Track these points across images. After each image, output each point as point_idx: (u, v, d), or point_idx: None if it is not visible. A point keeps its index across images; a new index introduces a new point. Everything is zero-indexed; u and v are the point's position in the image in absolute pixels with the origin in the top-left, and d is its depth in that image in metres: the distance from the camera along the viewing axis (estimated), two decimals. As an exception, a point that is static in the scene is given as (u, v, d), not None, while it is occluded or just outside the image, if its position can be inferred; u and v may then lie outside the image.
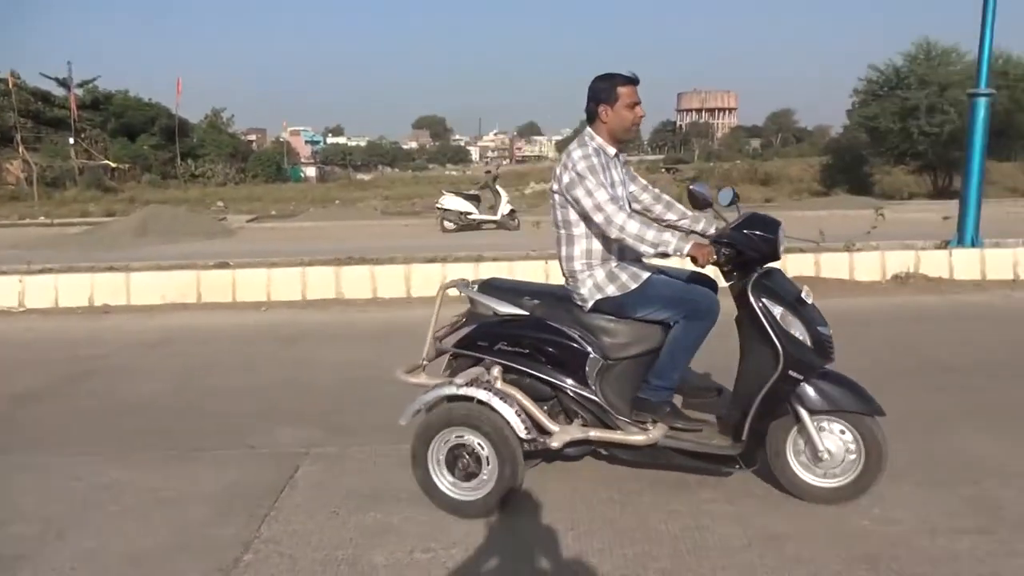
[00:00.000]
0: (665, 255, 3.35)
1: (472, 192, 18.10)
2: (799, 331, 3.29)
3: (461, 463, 3.43)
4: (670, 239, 3.28)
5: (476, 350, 3.62)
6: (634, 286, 3.46)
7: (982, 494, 3.53)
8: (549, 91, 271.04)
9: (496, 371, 3.51)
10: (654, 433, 3.39)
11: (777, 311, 3.31)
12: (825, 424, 3.37)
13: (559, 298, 3.61)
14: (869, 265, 8.74)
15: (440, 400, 3.48)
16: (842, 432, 3.38)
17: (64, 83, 42.96)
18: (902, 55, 28.50)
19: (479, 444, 3.40)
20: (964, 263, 8.77)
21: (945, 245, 9.19)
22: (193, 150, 46.12)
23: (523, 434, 3.35)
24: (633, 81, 3.48)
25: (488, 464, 3.40)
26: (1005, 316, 7.40)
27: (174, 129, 43.54)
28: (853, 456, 3.37)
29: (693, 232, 3.68)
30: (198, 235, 16.69)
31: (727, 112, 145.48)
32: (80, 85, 45.01)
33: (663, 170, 54.45)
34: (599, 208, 3.33)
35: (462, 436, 3.42)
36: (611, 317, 3.48)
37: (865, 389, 3.37)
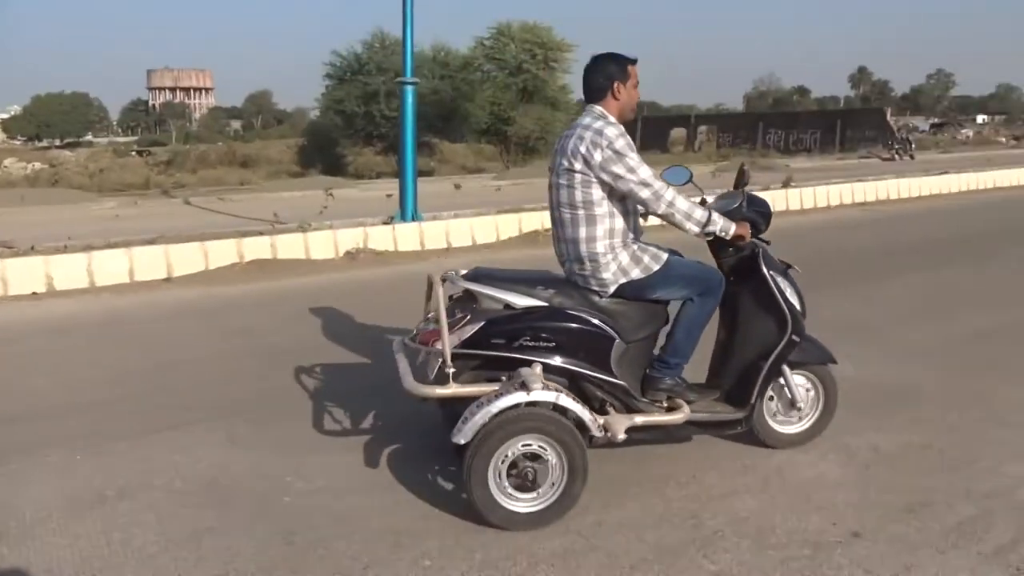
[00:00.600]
0: (711, 233, 3.45)
1: None
2: (794, 298, 3.63)
3: (528, 473, 3.10)
4: (717, 218, 3.42)
5: (491, 348, 3.28)
6: (656, 267, 3.43)
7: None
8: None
9: (538, 369, 3.23)
10: (685, 410, 3.47)
11: (780, 281, 3.61)
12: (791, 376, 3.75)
13: (568, 284, 3.46)
14: (323, 244, 9.08)
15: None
16: (805, 381, 3.84)
17: None
18: (362, 43, 30.37)
19: (546, 449, 3.13)
20: (406, 236, 9.64)
21: (390, 221, 9.98)
22: None
23: (596, 432, 3.25)
24: (636, 61, 3.52)
25: (555, 470, 3.15)
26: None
27: None
28: (813, 402, 3.87)
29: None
30: None
31: (203, 92, 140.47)
32: None
33: (134, 153, 50.52)
34: (646, 184, 3.32)
35: (529, 444, 3.11)
36: (625, 300, 3.42)
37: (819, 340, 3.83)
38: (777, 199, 13.49)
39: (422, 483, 3.55)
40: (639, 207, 3.46)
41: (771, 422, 3.84)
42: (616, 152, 3.30)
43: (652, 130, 51.06)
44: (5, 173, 37.53)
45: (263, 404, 4.60)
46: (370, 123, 29.88)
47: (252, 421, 4.32)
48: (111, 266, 7.84)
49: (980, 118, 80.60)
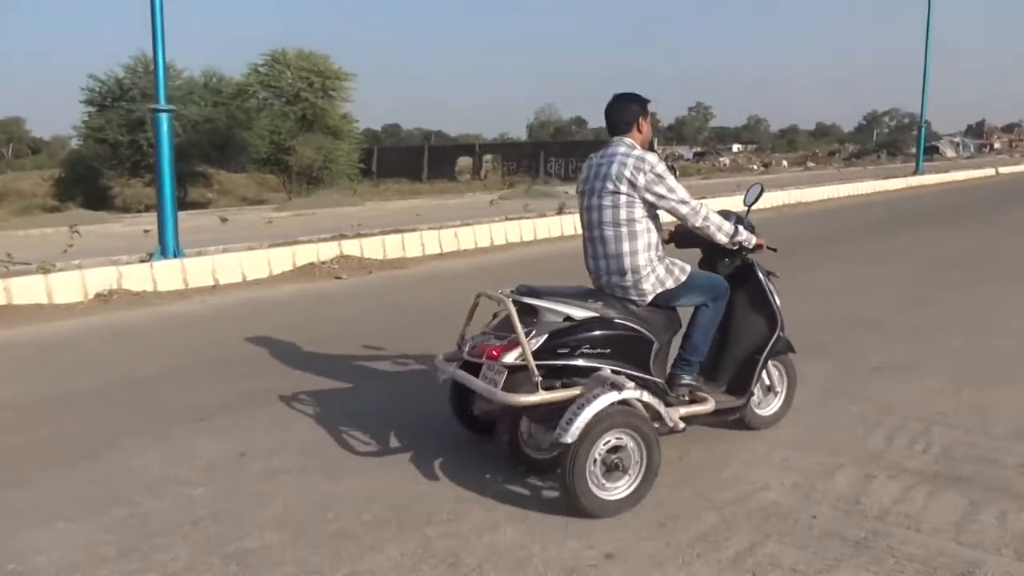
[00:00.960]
0: (737, 243, 4.01)
1: None
2: (778, 298, 4.25)
3: (617, 463, 3.48)
4: (742, 230, 4.02)
5: (557, 358, 3.62)
6: (684, 278, 3.92)
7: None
8: None
9: (608, 371, 3.61)
10: (711, 400, 3.97)
11: (769, 285, 4.25)
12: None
13: (607, 296, 3.88)
14: (69, 285, 8.21)
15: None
16: (774, 368, 4.48)
17: None
18: (123, 67, 28.35)
19: (629, 440, 3.50)
20: (167, 274, 8.93)
21: (149, 258, 9.23)
22: None
23: (669, 423, 3.71)
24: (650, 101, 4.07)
25: (636, 459, 3.53)
26: (196, 320, 7.74)
27: None
28: (780, 387, 4.53)
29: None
30: None
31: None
32: None
33: None
34: (685, 201, 3.84)
35: (620, 438, 3.47)
36: (655, 308, 3.89)
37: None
38: (552, 225, 14.01)
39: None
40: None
41: (754, 408, 4.41)
42: (658, 175, 3.78)
43: (439, 158, 51.74)
44: None
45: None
46: (136, 152, 27.92)
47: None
48: None
49: (735, 147, 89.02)
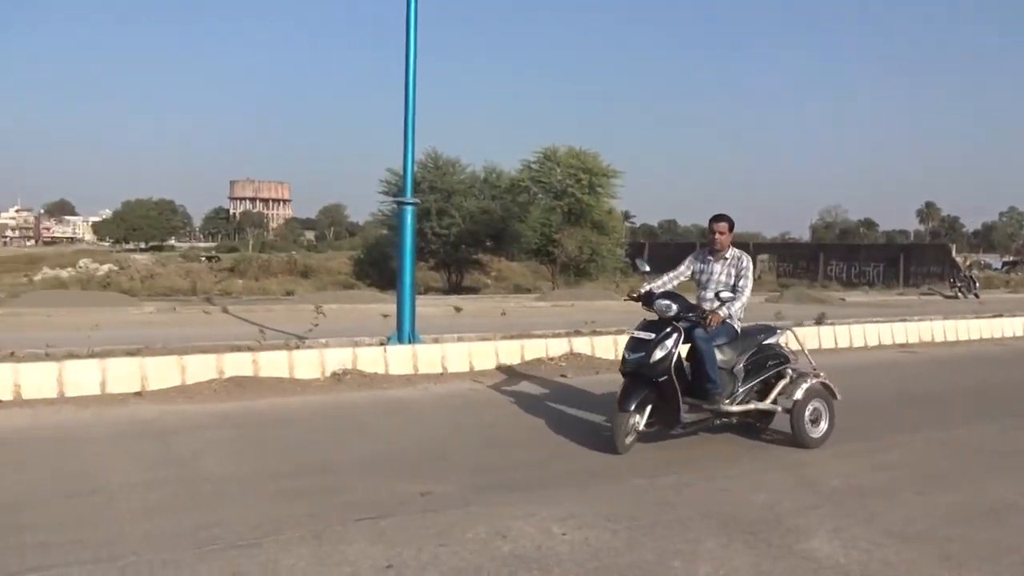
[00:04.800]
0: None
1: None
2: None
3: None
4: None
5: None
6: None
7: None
8: (84, 167, 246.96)
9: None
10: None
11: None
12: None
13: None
14: (309, 363, 8.77)
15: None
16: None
17: None
18: (416, 162, 31.13)
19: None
20: (398, 359, 9.25)
21: (386, 342, 9.65)
22: None
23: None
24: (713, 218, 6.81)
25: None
26: (415, 408, 7.85)
27: None
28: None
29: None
30: None
31: (281, 203, 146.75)
32: None
33: (203, 259, 52.47)
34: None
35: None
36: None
37: None
38: (809, 337, 12.78)
39: None
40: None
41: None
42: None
43: (711, 256, 50.54)
44: (77, 272, 39.25)
45: (125, 553, 4.16)
46: (421, 239, 30.29)
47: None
48: (83, 377, 7.66)
49: (1057, 257, 77.81)
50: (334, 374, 8.81)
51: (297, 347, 9.09)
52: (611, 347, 10.73)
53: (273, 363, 8.59)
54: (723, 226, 6.66)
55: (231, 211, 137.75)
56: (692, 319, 6.22)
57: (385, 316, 11.25)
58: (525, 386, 8.96)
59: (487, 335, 10.64)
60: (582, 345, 10.58)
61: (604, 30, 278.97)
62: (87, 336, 8.90)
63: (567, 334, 10.84)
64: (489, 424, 7.22)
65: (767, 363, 6.64)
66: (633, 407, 5.95)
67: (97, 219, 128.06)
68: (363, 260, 36.67)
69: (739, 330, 6.53)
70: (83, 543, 4.21)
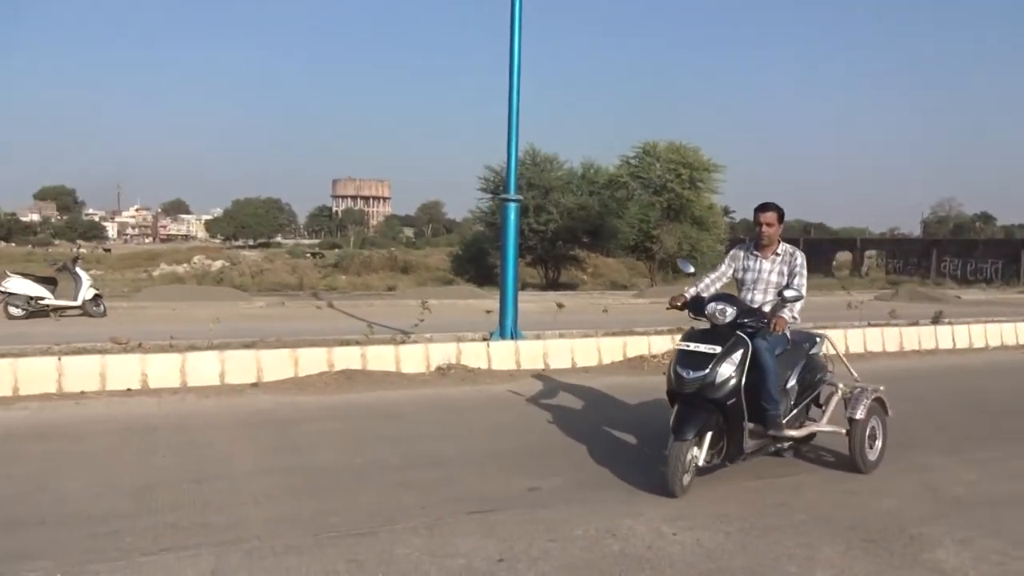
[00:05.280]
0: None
1: (46, 275, 16.05)
2: None
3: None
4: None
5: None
6: None
7: None
8: (197, 168, 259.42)
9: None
10: None
11: None
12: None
13: None
14: (415, 357, 8.95)
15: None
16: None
17: None
18: (514, 159, 31.33)
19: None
20: (501, 354, 9.34)
21: (489, 337, 9.75)
22: None
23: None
24: (759, 207, 5.67)
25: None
26: (520, 403, 7.90)
27: None
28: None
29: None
30: None
31: (381, 200, 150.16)
32: None
33: (308, 256, 54.41)
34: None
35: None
36: None
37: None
38: (924, 337, 12.20)
39: None
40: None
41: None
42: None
43: (815, 251, 48.96)
44: (192, 268, 41.26)
45: (248, 537, 4.33)
46: (519, 235, 30.45)
47: (245, 552, 4.06)
48: (204, 367, 8.04)
49: None
50: (438, 368, 8.96)
51: (403, 342, 9.29)
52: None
53: (380, 357, 8.81)
54: (771, 216, 5.55)
55: (333, 208, 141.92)
56: (751, 325, 5.17)
57: (488, 312, 11.35)
58: (628, 382, 8.89)
59: (588, 332, 10.61)
60: (686, 342, 10.40)
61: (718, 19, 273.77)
62: (209, 329, 9.34)
63: (669, 331, 10.68)
64: (592, 420, 7.19)
65: (815, 377, 5.78)
66: (692, 435, 4.92)
67: (209, 217, 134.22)
68: (461, 256, 37.11)
69: (790, 338, 5.50)
70: (209, 527, 4.42)
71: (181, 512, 4.65)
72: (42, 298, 15.19)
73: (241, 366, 8.19)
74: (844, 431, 5.66)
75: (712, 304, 5.18)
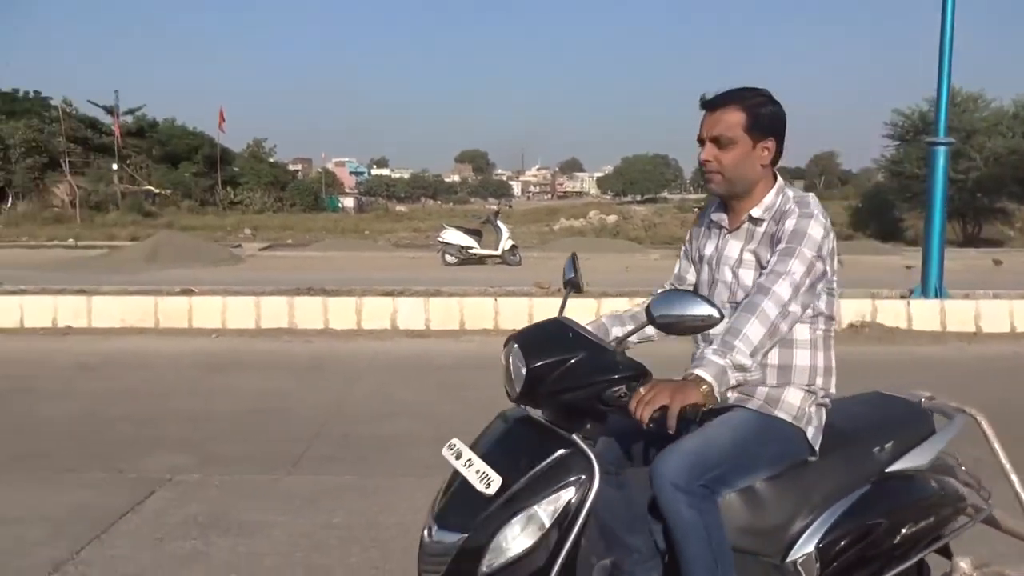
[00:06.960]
0: None
1: (473, 227, 18.31)
2: None
3: None
4: None
5: None
6: None
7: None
8: (590, 128, 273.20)
9: None
10: None
11: None
12: None
13: None
14: (827, 312, 8.60)
15: None
16: None
17: (111, 111, 44.28)
18: (927, 100, 28.09)
19: None
20: (924, 314, 8.58)
21: (909, 295, 9.01)
22: (234, 178, 47.08)
23: None
24: (701, 105, 2.20)
25: None
26: (955, 366, 7.22)
27: (216, 157, 44.70)
28: None
29: None
30: (206, 262, 17.09)
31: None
32: (127, 113, 46.40)
33: (694, 210, 54.38)
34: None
35: None
36: None
37: None
38: None
39: None
40: None
41: None
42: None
43: None
44: (588, 223, 43.88)
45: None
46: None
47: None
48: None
49: None
50: (851, 325, 8.53)
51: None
52: None
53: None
54: (726, 118, 2.12)
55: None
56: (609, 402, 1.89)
57: (908, 267, 10.48)
58: None
59: (1032, 292, 9.27)
60: None
61: None
62: (624, 271, 9.87)
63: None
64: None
65: (906, 524, 2.18)
66: None
67: (600, 174, 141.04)
68: (861, 209, 34.46)
69: (811, 427, 2.10)
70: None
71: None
72: (471, 247, 17.44)
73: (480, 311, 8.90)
74: None
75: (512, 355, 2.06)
